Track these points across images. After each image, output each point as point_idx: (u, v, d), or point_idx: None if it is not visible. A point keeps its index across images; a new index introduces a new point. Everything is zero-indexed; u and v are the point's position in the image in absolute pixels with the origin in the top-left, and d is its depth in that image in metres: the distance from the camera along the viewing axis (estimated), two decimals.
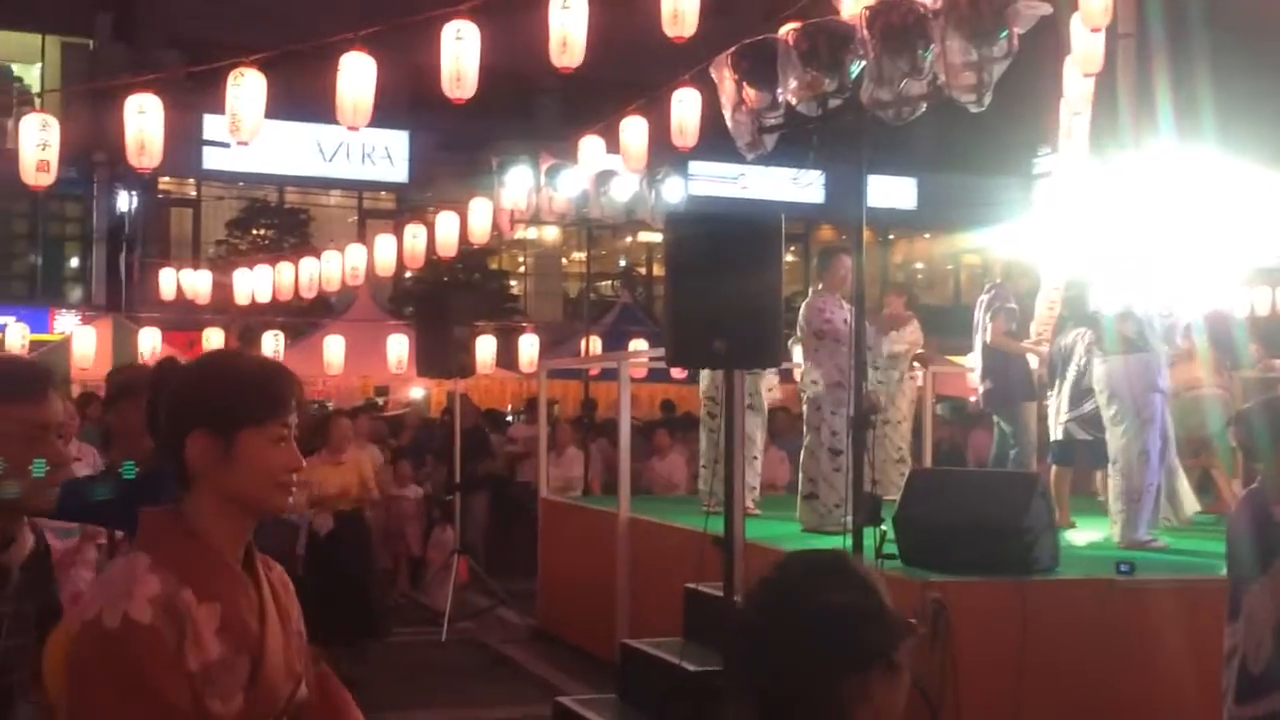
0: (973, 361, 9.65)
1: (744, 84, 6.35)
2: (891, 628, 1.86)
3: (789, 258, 20.77)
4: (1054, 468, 8.76)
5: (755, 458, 9.10)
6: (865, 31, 5.71)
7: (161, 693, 2.06)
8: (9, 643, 2.67)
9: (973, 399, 12.51)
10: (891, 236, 31.93)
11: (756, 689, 1.84)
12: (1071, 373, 8.58)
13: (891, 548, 5.96)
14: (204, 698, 2.12)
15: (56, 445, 2.68)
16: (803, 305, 8.57)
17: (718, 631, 6.26)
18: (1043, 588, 6.04)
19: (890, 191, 28.86)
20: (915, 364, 9.95)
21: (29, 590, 2.73)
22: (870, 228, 6.42)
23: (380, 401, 20.60)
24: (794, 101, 6.09)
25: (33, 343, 18.62)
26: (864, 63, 5.78)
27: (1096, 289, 7.96)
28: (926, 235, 32.40)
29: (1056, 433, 8.72)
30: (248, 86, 9.23)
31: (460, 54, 8.82)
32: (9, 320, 21.17)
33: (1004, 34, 5.57)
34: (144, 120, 9.69)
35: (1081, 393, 8.38)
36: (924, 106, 5.86)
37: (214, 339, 18.76)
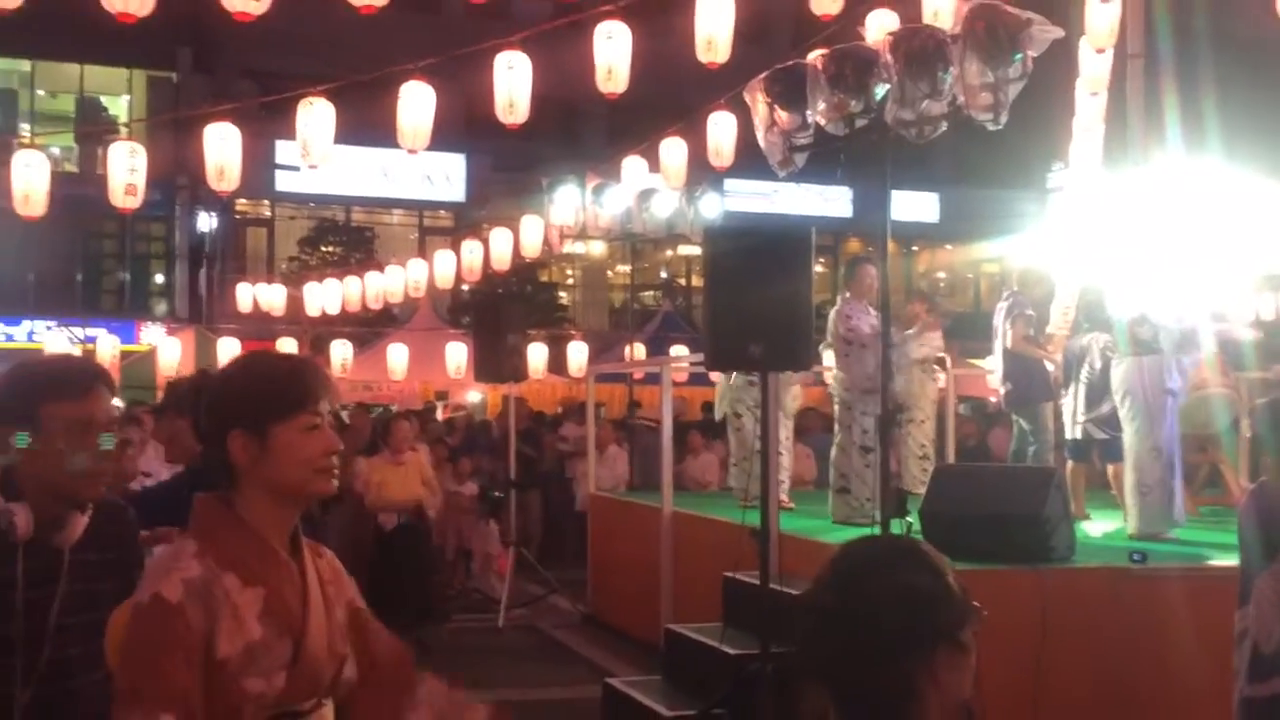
0: (992, 364, 9.58)
1: (775, 106, 6.33)
2: (959, 609, 1.80)
3: (818, 268, 20.68)
4: (1070, 463, 8.68)
5: (781, 454, 9.08)
6: (889, 56, 5.69)
7: (161, 666, 2.06)
8: (64, 620, 2.71)
9: (994, 399, 12.44)
10: (915, 247, 31.79)
11: (827, 668, 1.79)
12: (1085, 374, 8.50)
13: (916, 538, 5.92)
14: (242, 677, 2.12)
15: (103, 439, 2.72)
16: (831, 312, 8.55)
17: (755, 617, 6.24)
18: (1060, 575, 5.99)
19: (913, 205, 28.72)
20: (937, 367, 9.88)
21: (91, 571, 2.76)
22: (895, 239, 6.38)
23: (439, 406, 20.67)
24: (822, 122, 6.06)
25: (122, 353, 18.81)
26: (888, 85, 5.76)
27: (1111, 295, 7.89)
28: (948, 246, 32.21)
29: (1074, 431, 8.64)
30: (317, 114, 9.30)
31: (512, 82, 8.86)
32: (100, 332, 21.37)
33: (1019, 56, 5.54)
34: (222, 146, 9.79)
35: (1097, 393, 8.30)
36: (944, 125, 5.83)
37: (288, 347, 18.89)
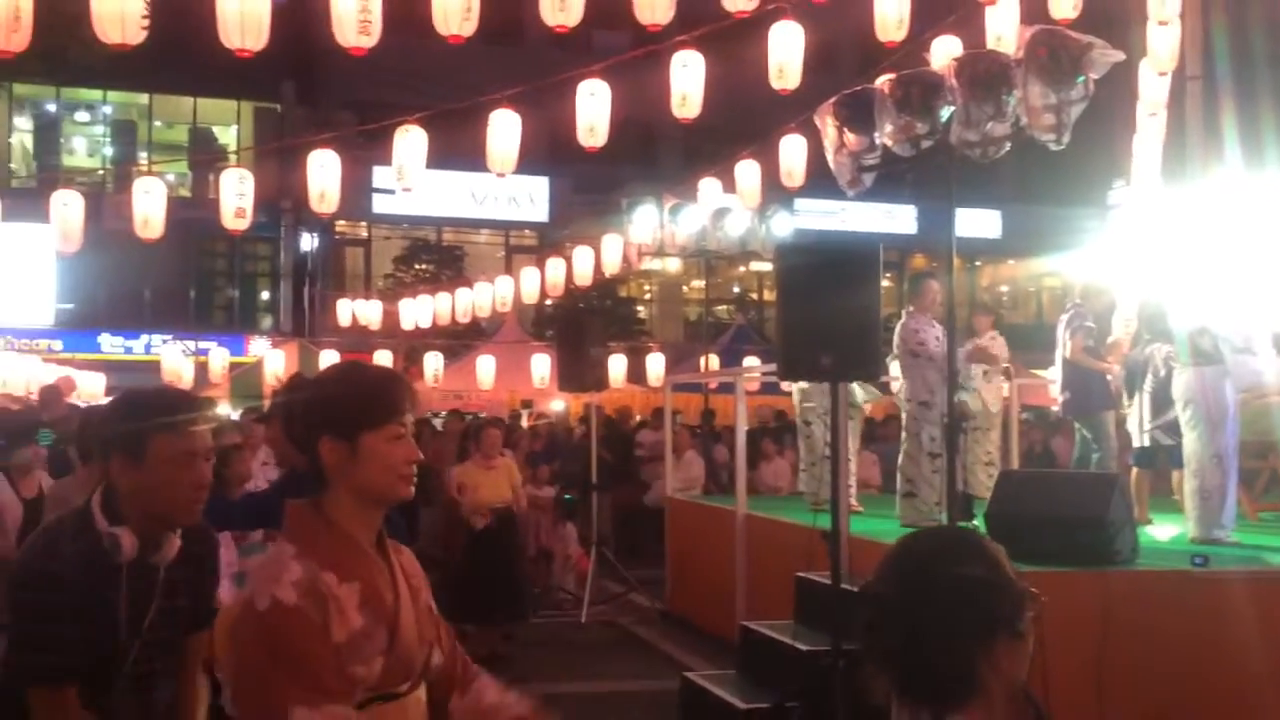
0: (1054, 375, 9.45)
1: (844, 129, 6.31)
2: (1016, 598, 1.79)
3: (885, 282, 20.55)
4: (1135, 469, 8.52)
5: (848, 459, 9.03)
6: (953, 80, 5.66)
7: (306, 662, 2.11)
8: (156, 635, 2.78)
9: (1055, 409, 12.25)
10: (978, 263, 31.39)
11: (890, 657, 1.78)
12: (1149, 384, 8.36)
13: (972, 529, 5.85)
14: (349, 664, 2.17)
15: (203, 469, 2.78)
16: (898, 326, 8.49)
17: (826, 615, 6.20)
18: (1123, 577, 5.88)
19: (977, 222, 28.40)
20: (1002, 377, 9.76)
21: (174, 589, 2.83)
22: (959, 255, 6.32)
23: (523, 414, 20.80)
24: (890, 144, 6.04)
25: (231, 364, 19.11)
26: (953, 108, 5.72)
27: (1172, 307, 7.75)
28: (1010, 261, 31.78)
29: (1141, 439, 8.49)
30: (411, 141, 9.43)
31: (593, 109, 8.91)
32: (212, 345, 21.75)
33: (1081, 79, 5.47)
34: (324, 172, 9.97)
35: (1162, 401, 8.16)
36: (1007, 146, 5.78)
37: (384, 360, 19.12)
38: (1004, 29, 7.99)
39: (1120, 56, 5.73)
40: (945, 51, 8.01)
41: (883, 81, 6.11)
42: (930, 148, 5.93)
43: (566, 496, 12.93)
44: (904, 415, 8.34)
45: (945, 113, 5.76)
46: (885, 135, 6.01)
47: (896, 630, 1.78)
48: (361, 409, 2.31)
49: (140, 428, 2.72)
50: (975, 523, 5.87)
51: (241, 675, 2.19)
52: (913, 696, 1.77)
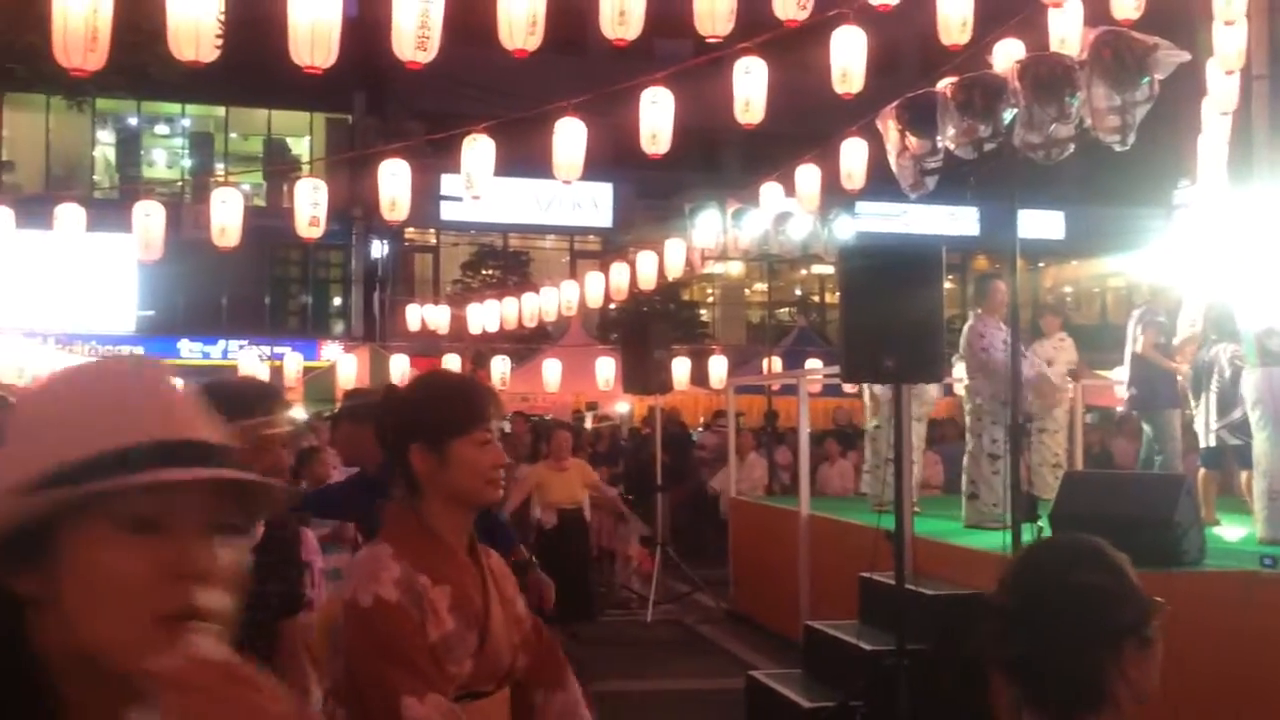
0: (1120, 374, 9.33)
1: (907, 132, 6.29)
2: (1141, 605, 1.78)
3: (947, 284, 20.37)
4: (1202, 470, 8.38)
5: (913, 462, 8.96)
6: (1017, 83, 5.60)
7: (410, 655, 2.17)
8: (247, 617, 2.78)
9: (1119, 408, 12.06)
10: (1041, 264, 30.98)
11: (1016, 667, 1.77)
12: (1215, 384, 8.21)
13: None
14: (443, 663, 2.21)
15: (280, 454, 2.82)
16: (964, 328, 8.42)
17: (890, 614, 6.17)
18: (1190, 578, 5.79)
19: (1040, 223, 28.00)
20: (1069, 378, 9.64)
21: (262, 574, 2.79)
22: (1022, 256, 6.26)
23: (587, 416, 20.88)
24: (952, 147, 6.00)
25: (305, 369, 19.38)
26: (1016, 110, 5.66)
27: (1239, 308, 7.62)
28: (1074, 262, 31.33)
29: (1208, 440, 8.35)
30: (479, 150, 9.50)
31: (655, 116, 8.92)
32: (286, 350, 22.12)
33: (1146, 80, 5.40)
34: (394, 181, 10.08)
35: (1228, 401, 8.02)
36: (1071, 147, 5.72)
37: (452, 363, 19.29)
38: (1068, 31, 7.89)
39: (1185, 57, 5.64)
40: (1008, 54, 7.91)
41: (945, 85, 6.07)
42: (993, 150, 5.88)
43: (629, 497, 12.95)
44: (968, 417, 8.27)
45: (1008, 115, 5.71)
46: (948, 138, 5.98)
47: (1018, 641, 1.77)
48: (449, 417, 2.36)
49: (222, 417, 2.75)
50: (1040, 523, 5.79)
51: (351, 670, 2.24)
52: (1042, 706, 1.77)
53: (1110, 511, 6.12)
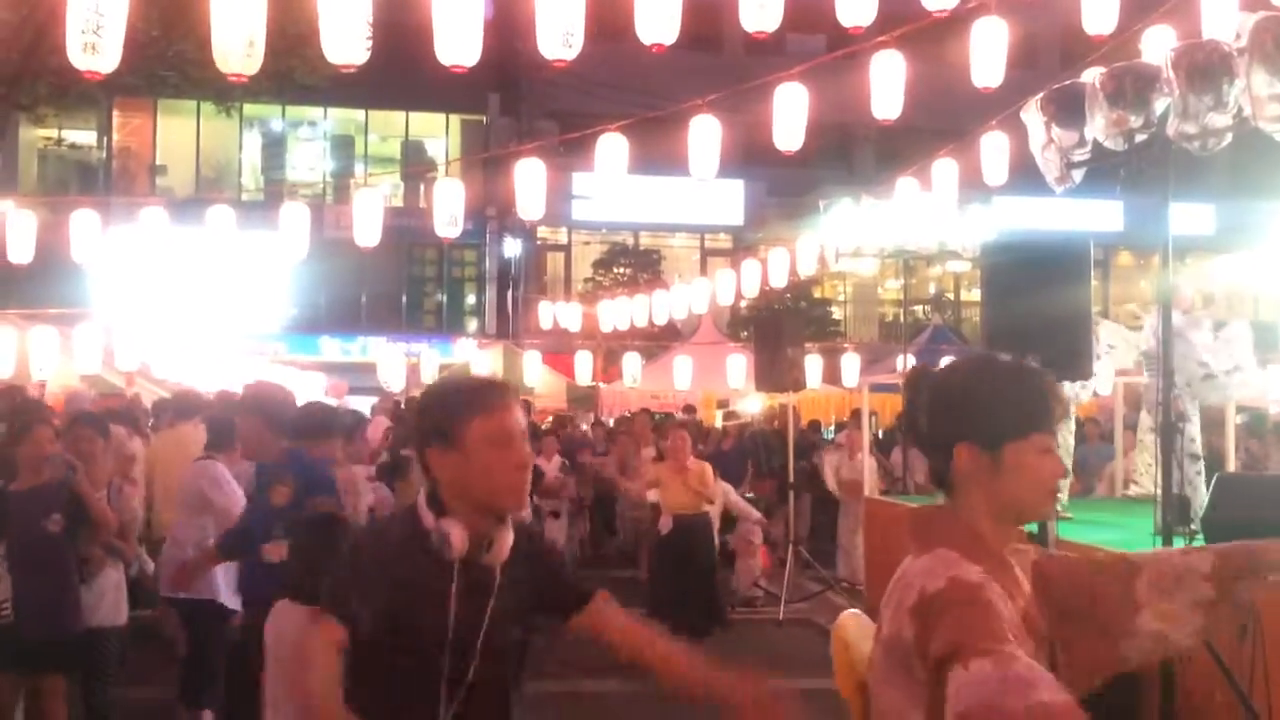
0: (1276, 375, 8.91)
1: (1052, 124, 6.10)
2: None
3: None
4: None
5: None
6: (1170, 72, 5.39)
7: (990, 619, 1.88)
8: (490, 640, 2.60)
9: (1275, 410, 11.55)
10: (1188, 260, 29.87)
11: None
12: None
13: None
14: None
15: (523, 448, 2.63)
16: (1145, 324, 8.10)
17: None
18: None
19: (1188, 218, 26.99)
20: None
21: (511, 590, 2.66)
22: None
23: (718, 414, 20.85)
24: (1101, 138, 5.80)
25: (440, 366, 19.72)
26: (1169, 100, 5.45)
27: None
28: (1223, 257, 30.12)
29: None
30: (612, 149, 9.56)
31: (790, 112, 8.85)
32: (422, 346, 22.54)
33: None
34: (528, 180, 10.19)
35: None
36: (1228, 137, 5.48)
37: (583, 362, 19.46)
38: (1222, 18, 7.57)
39: None
40: (1158, 42, 7.63)
41: (1094, 75, 5.88)
42: (1145, 141, 5.67)
43: (748, 495, 12.86)
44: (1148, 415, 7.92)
45: (1161, 105, 5.50)
46: (1096, 130, 5.78)
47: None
48: (1008, 415, 2.10)
49: (449, 413, 2.62)
50: (1194, 526, 5.56)
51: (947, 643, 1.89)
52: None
53: (1265, 518, 5.84)
